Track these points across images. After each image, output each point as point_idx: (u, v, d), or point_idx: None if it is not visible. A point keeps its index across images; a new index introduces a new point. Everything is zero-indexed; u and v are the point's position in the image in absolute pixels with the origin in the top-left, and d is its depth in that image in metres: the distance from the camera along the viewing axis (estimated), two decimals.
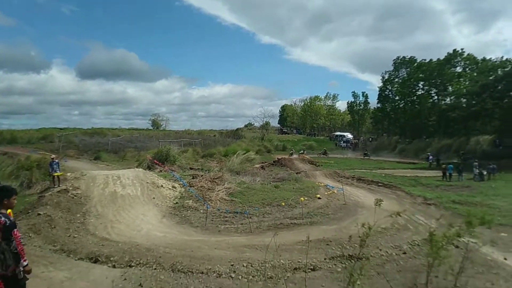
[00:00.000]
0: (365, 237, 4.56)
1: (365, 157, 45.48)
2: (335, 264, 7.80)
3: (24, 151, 32.85)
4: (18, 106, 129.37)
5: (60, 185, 15.03)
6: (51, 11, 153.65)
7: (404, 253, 8.41)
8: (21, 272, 4.22)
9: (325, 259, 8.18)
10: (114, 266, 7.77)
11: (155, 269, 7.61)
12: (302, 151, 45.23)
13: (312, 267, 7.65)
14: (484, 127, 42.89)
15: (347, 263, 7.76)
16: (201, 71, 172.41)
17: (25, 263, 4.25)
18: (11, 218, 4.31)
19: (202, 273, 7.44)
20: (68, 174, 16.78)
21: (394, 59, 60.04)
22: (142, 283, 6.79)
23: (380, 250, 8.81)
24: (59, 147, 35.43)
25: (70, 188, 14.47)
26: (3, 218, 4.16)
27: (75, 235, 10.47)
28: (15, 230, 4.19)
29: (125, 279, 7.01)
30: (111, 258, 8.07)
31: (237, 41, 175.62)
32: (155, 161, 24.20)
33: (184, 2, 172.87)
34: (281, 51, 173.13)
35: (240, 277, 7.34)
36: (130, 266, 7.76)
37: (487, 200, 16.64)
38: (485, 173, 25.17)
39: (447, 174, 25.51)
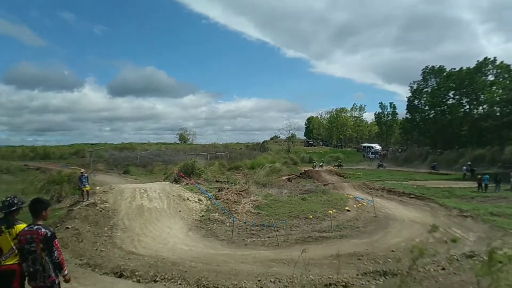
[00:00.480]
0: (416, 258, 4.13)
1: (380, 168, 44.43)
2: (368, 281, 7.34)
3: (56, 166, 33.91)
4: (52, 123, 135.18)
5: (89, 199, 15.23)
6: (82, 31, 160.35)
7: (443, 269, 7.84)
8: (58, 284, 4.33)
9: (357, 275, 7.73)
10: (139, 281, 7.61)
11: (180, 284, 7.41)
12: (321, 163, 44.21)
13: (343, 283, 7.23)
14: None
15: (381, 280, 7.32)
16: (227, 86, 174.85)
17: (65, 272, 4.37)
18: (51, 229, 4.40)
19: None
20: (97, 188, 17.00)
21: (423, 69, 58.80)
22: None
23: (417, 265, 8.27)
24: (90, 162, 36.34)
25: (98, 202, 14.61)
26: (43, 230, 4.24)
27: (102, 249, 10.45)
28: (56, 240, 4.30)
29: None
30: (136, 273, 7.91)
31: (262, 56, 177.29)
32: (181, 174, 24.27)
33: (211, 20, 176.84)
34: (306, 64, 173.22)
35: None
36: (155, 281, 7.58)
37: None
38: None
39: (483, 185, 24.32)
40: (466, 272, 7.52)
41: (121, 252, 10.30)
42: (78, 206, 14.09)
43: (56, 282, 4.31)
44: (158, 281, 7.59)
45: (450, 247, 10.67)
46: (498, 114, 42.56)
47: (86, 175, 16.56)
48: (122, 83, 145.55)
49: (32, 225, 4.28)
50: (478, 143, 45.95)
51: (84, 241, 10.80)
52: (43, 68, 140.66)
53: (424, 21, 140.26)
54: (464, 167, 35.60)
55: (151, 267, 8.51)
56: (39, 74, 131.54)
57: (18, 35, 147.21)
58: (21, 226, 4.43)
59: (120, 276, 7.90)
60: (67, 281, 4.45)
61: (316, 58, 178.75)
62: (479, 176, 25.79)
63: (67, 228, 11.53)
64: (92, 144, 62.60)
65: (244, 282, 7.53)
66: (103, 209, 14.01)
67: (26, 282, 4.38)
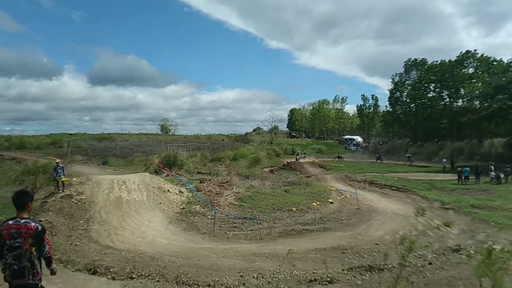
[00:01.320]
0: (407, 252, 3.88)
1: (378, 161, 44.49)
2: (354, 276, 7.11)
3: (32, 156, 32.76)
4: (30, 113, 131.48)
5: (65, 191, 14.59)
6: (60, 17, 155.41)
7: (430, 263, 7.69)
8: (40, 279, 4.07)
9: (342, 270, 7.50)
10: (113, 278, 7.19)
11: (158, 281, 7.02)
12: (304, 155, 44.07)
13: (329, 279, 6.99)
14: (498, 129, 41.84)
15: (367, 275, 7.11)
16: (210, 76, 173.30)
17: (53, 266, 4.18)
18: (40, 223, 4.18)
19: (209, 285, 6.83)
20: (74, 179, 16.37)
21: (405, 61, 59.46)
22: None
23: (407, 260, 8.11)
24: (68, 152, 35.29)
25: (74, 194, 14.02)
26: (33, 223, 3.96)
27: (77, 243, 9.97)
28: (46, 234, 4.06)
29: None
30: (111, 269, 7.49)
31: (245, 46, 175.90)
32: (162, 165, 23.74)
33: (193, 8, 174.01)
34: (289, 56, 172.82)
35: None
36: (131, 278, 7.18)
37: (508, 204, 15.76)
38: (502, 176, 24.25)
39: (463, 177, 24.65)
40: (453, 267, 7.37)
41: (97, 246, 9.86)
42: (53, 198, 13.46)
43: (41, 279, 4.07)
44: (134, 278, 7.19)
45: (434, 240, 10.66)
46: (477, 107, 43.28)
47: (61, 165, 15.86)
48: (103, 71, 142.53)
49: (18, 219, 3.91)
50: (457, 136, 46.79)
51: (58, 235, 10.27)
52: (20, 55, 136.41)
53: (405, 14, 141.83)
54: (444, 160, 36.12)
55: (128, 263, 8.12)
56: (16, 61, 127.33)
57: None
58: None
59: (94, 273, 7.46)
60: (53, 273, 4.26)
61: (299, 49, 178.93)
62: (459, 168, 26.10)
63: (40, 220, 10.88)
64: (70, 134, 60.89)
65: (226, 278, 7.22)
66: (79, 201, 13.44)
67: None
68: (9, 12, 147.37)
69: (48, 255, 4.02)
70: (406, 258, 3.92)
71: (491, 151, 37.31)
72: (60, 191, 14.63)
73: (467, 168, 25.41)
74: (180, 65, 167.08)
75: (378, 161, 44.46)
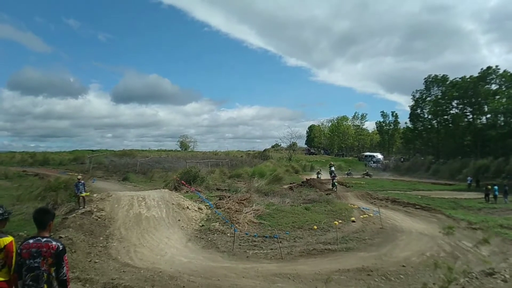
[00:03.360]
0: (448, 283, 3.57)
1: (366, 177, 43.64)
2: None
3: (55, 172, 33.42)
4: (55, 130, 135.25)
5: (85, 207, 14.66)
6: (87, 38, 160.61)
7: (463, 287, 7.28)
8: None
9: None
10: None
11: None
12: (319, 172, 41.64)
13: None
14: None
15: None
16: (230, 94, 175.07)
17: None
18: (61, 242, 3.96)
19: None
20: (94, 195, 16.47)
21: (425, 78, 58.67)
22: None
23: (434, 284, 7.70)
24: (89, 168, 35.86)
25: (95, 210, 14.07)
26: (54, 243, 3.78)
27: (96, 260, 9.90)
28: (66, 255, 3.84)
29: None
30: None
31: (264, 64, 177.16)
32: (182, 181, 23.74)
33: (212, 27, 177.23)
34: (307, 73, 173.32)
35: None
36: None
37: None
38: None
39: (492, 195, 23.73)
40: None
41: (116, 264, 9.77)
42: (73, 214, 13.52)
43: None
44: None
45: (463, 262, 10.15)
46: (502, 123, 42.10)
47: (82, 181, 16.02)
48: (126, 90, 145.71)
49: (39, 238, 3.76)
50: (481, 153, 45.47)
51: (77, 251, 10.23)
52: (47, 74, 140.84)
53: (426, 30, 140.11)
54: (469, 178, 35.05)
55: (146, 282, 7.99)
56: (43, 80, 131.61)
57: (23, 41, 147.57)
58: (6, 240, 3.93)
59: None
60: None
61: (318, 67, 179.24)
62: (488, 186, 25.21)
63: (60, 237, 10.91)
64: (93, 151, 62.11)
65: None
66: (99, 217, 13.46)
67: None
68: (38, 33, 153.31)
69: (65, 277, 3.81)
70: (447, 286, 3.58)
71: None
72: (81, 207, 14.72)
73: (496, 186, 24.48)
74: (201, 83, 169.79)
75: (367, 177, 43.69)
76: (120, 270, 9.05)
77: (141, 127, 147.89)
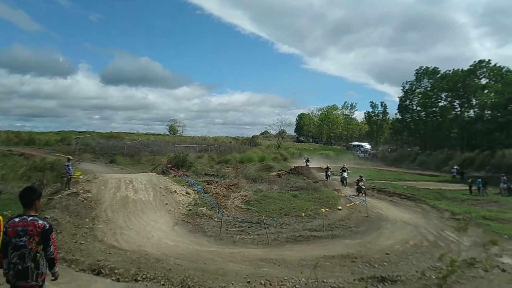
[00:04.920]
0: (450, 273, 3.60)
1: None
2: (366, 287, 6.88)
3: (41, 152, 32.87)
4: (42, 109, 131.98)
5: (70, 188, 14.51)
6: (78, 18, 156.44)
7: (446, 277, 7.41)
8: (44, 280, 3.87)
9: (354, 280, 7.27)
10: (118, 280, 7.03)
11: (163, 285, 6.86)
12: (306, 159, 39.16)
13: None
14: (509, 140, 41.19)
15: (379, 286, 6.86)
16: (221, 79, 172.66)
17: (56, 269, 3.97)
18: (48, 221, 3.99)
19: None
20: (81, 176, 16.30)
21: (416, 69, 58.69)
22: None
23: (417, 272, 7.85)
24: (76, 150, 35.36)
25: (81, 191, 13.95)
26: (40, 221, 3.78)
27: (82, 242, 9.86)
28: (53, 233, 3.86)
29: None
30: (116, 271, 7.32)
31: (256, 50, 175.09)
32: (170, 165, 23.64)
33: (205, 11, 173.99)
34: (299, 61, 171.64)
35: None
36: (136, 280, 7.01)
37: None
38: None
39: (476, 188, 24.15)
40: (470, 281, 7.10)
41: (102, 245, 9.73)
42: (59, 195, 13.41)
43: (44, 281, 3.86)
44: (139, 280, 7.02)
45: (445, 251, 10.36)
46: (489, 117, 42.69)
47: (69, 163, 15.82)
48: (116, 71, 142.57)
49: (25, 216, 3.75)
50: (467, 146, 46.10)
51: (63, 232, 10.15)
52: (36, 53, 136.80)
53: (419, 22, 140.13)
54: (453, 169, 35.56)
55: (132, 264, 7.97)
56: (32, 58, 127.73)
57: (13, 18, 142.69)
58: None
59: (98, 273, 7.31)
60: (55, 278, 4.01)
61: (310, 55, 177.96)
62: (471, 179, 25.63)
63: (46, 218, 10.80)
64: (79, 132, 61.19)
65: (233, 284, 7.04)
66: (85, 199, 13.37)
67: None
68: (28, 11, 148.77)
69: (52, 256, 3.82)
70: (448, 278, 3.61)
71: (502, 162, 36.65)
72: (66, 189, 14.58)
73: (480, 179, 24.91)
74: (192, 67, 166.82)
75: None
76: (106, 252, 9.02)
77: (129, 110, 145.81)
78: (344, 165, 24.13)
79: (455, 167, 35.90)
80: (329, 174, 26.38)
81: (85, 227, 11.12)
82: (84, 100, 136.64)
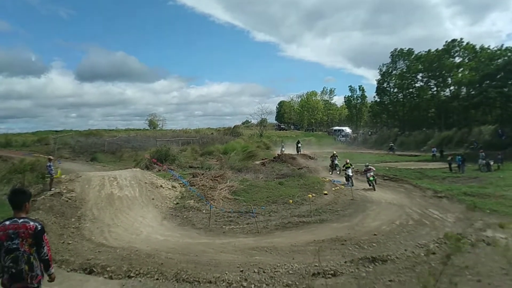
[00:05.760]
0: (454, 250, 3.64)
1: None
2: (357, 268, 7.02)
3: (19, 154, 32.00)
4: (16, 111, 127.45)
5: (53, 188, 14.21)
6: (48, 15, 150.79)
7: (434, 253, 7.62)
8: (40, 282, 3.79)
9: (345, 262, 7.40)
10: (111, 277, 6.97)
11: (157, 279, 6.83)
12: (282, 146, 37.37)
13: (332, 272, 6.88)
14: (485, 117, 42.35)
15: (371, 267, 7.02)
16: (199, 70, 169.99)
17: (52, 270, 3.91)
18: (40, 222, 3.94)
19: (210, 282, 6.67)
20: (62, 176, 15.97)
21: (391, 52, 59.27)
22: None
23: (406, 250, 8.05)
24: (55, 149, 34.55)
25: (64, 191, 13.68)
26: (31, 223, 3.71)
27: (69, 241, 9.73)
28: (45, 234, 3.80)
29: None
30: (108, 268, 7.26)
31: (232, 39, 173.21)
32: (154, 160, 23.40)
33: (177, 2, 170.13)
34: (276, 48, 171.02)
35: (253, 286, 6.57)
36: (129, 276, 6.97)
37: (500, 191, 15.87)
38: (492, 163, 24.45)
39: (457, 165, 24.74)
40: (457, 256, 7.31)
41: (91, 244, 9.63)
42: (42, 196, 13.11)
43: (41, 283, 3.78)
44: (132, 276, 6.98)
45: (431, 229, 10.66)
46: (465, 95, 43.72)
47: (50, 163, 15.45)
48: (91, 68, 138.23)
49: (15, 219, 3.67)
50: (445, 125, 47.16)
51: (49, 233, 9.81)
52: (7, 53, 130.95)
53: (391, 4, 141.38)
54: (433, 149, 36.37)
55: (124, 261, 7.90)
56: (2, 58, 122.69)
57: None
58: None
59: (90, 272, 7.24)
60: (52, 280, 3.96)
61: (286, 42, 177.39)
62: (449, 157, 26.27)
63: (36, 219, 10.62)
64: (56, 131, 59.75)
65: (227, 274, 7.06)
66: (69, 198, 13.12)
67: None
68: None
69: (47, 257, 3.76)
70: (452, 257, 3.67)
71: (480, 139, 37.71)
72: (50, 189, 14.26)
73: (459, 156, 25.52)
74: (169, 60, 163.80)
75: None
76: (95, 251, 8.92)
77: (107, 106, 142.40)
78: (347, 161, 20.21)
79: (433, 148, 36.64)
80: (337, 164, 23.66)
81: (72, 226, 10.96)
82: (59, 99, 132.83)
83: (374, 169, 18.97)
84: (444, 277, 6.17)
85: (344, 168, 19.70)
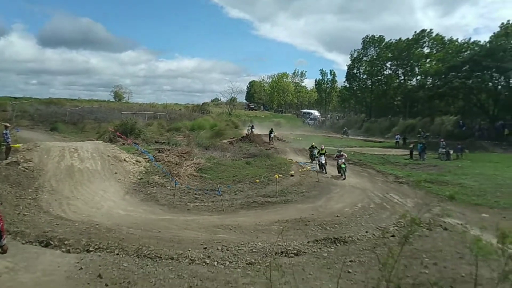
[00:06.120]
0: (411, 232, 3.67)
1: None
2: (320, 248, 7.13)
3: None
4: None
5: (9, 157, 13.47)
6: None
7: (393, 236, 7.85)
8: None
9: (308, 242, 7.50)
10: (68, 251, 6.72)
11: (117, 254, 6.65)
12: (250, 127, 37.33)
13: (295, 251, 6.95)
14: (448, 108, 43.87)
15: (332, 247, 7.14)
16: (169, 44, 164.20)
17: (4, 242, 3.86)
18: None
19: (172, 258, 6.57)
20: (20, 145, 15.17)
21: (363, 38, 59.84)
22: (101, 273, 5.80)
23: (367, 232, 8.26)
24: (13, 117, 32.84)
25: (21, 161, 13.01)
26: None
27: (26, 213, 9.32)
28: None
29: (81, 268, 6.00)
30: (66, 242, 6.99)
31: (205, 14, 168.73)
32: (118, 133, 22.70)
33: None
34: (249, 26, 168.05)
35: (215, 263, 6.54)
36: (88, 251, 6.74)
37: (457, 179, 16.61)
38: (451, 152, 25.47)
39: (418, 152, 25.55)
40: (416, 240, 7.52)
41: (48, 216, 9.26)
42: None
43: None
44: (91, 251, 6.76)
45: (391, 213, 10.99)
46: (430, 85, 45.03)
47: (6, 130, 14.58)
48: (54, 33, 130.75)
49: None
50: (410, 113, 48.61)
51: (4, 204, 9.53)
52: None
53: None
54: (397, 136, 37.43)
55: (82, 234, 7.64)
56: None
57: None
58: None
59: (47, 245, 6.94)
60: (4, 251, 3.95)
61: (260, 20, 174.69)
62: (411, 145, 27.10)
63: None
64: (15, 98, 56.74)
65: (189, 250, 6.98)
66: (26, 168, 12.50)
67: None
68: None
69: None
70: (409, 237, 3.69)
71: (441, 129, 39.19)
72: (6, 158, 13.51)
73: (421, 144, 26.35)
74: (138, 31, 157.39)
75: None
76: (53, 223, 8.58)
77: (70, 75, 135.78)
78: (322, 147, 19.44)
79: (397, 135, 37.72)
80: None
81: (28, 198, 10.49)
82: (19, 63, 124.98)
83: (346, 155, 18.19)
84: (402, 259, 6.38)
85: (318, 154, 18.75)
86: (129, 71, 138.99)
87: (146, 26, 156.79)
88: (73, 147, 15.20)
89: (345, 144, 35.24)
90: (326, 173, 17.38)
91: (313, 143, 22.75)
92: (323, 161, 17.89)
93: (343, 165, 16.64)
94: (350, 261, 6.41)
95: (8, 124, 15.37)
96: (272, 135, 30.60)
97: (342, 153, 17.66)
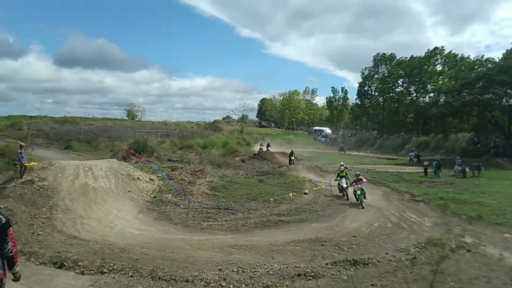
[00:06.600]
0: (442, 259, 3.52)
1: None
2: (339, 271, 6.90)
3: None
4: None
5: (24, 176, 13.57)
6: None
7: (415, 258, 7.58)
8: (4, 283, 3.45)
9: (326, 264, 7.27)
10: (82, 273, 6.62)
11: (131, 276, 6.53)
12: (260, 145, 37.25)
13: (313, 273, 6.73)
14: (462, 125, 43.30)
15: (352, 270, 6.91)
16: (182, 63, 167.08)
17: (17, 269, 3.50)
18: (5, 214, 3.51)
19: (187, 281, 6.42)
20: (35, 163, 15.30)
21: (374, 56, 60.08)
22: None
23: (387, 254, 8.00)
24: (28, 135, 33.37)
25: (36, 179, 13.07)
26: None
27: (40, 232, 9.30)
28: (10, 228, 3.42)
29: None
30: (80, 263, 6.90)
31: (217, 33, 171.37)
32: (132, 151, 22.82)
33: None
34: (260, 45, 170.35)
35: (231, 286, 6.37)
36: (102, 272, 6.64)
37: (475, 197, 16.16)
38: (467, 170, 24.96)
39: (433, 170, 25.10)
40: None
41: (62, 236, 9.22)
42: (13, 184, 12.50)
43: (4, 282, 3.42)
44: (105, 272, 6.66)
45: (409, 233, 10.69)
46: (443, 103, 44.64)
47: (21, 150, 14.72)
48: (70, 53, 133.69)
49: None
50: (422, 130, 48.13)
51: (18, 223, 9.49)
52: None
53: (377, 9, 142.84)
54: (410, 153, 36.95)
55: (96, 255, 7.56)
56: None
57: None
58: None
59: (61, 266, 6.86)
60: (17, 279, 3.57)
61: (271, 40, 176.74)
62: (426, 162, 26.66)
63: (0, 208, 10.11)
64: (31, 117, 57.83)
65: (204, 272, 6.83)
66: (41, 187, 12.54)
67: None
68: None
69: (11, 254, 3.38)
70: (439, 265, 3.52)
71: (456, 146, 38.58)
72: (21, 177, 13.62)
73: (437, 162, 25.91)
74: (152, 50, 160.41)
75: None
76: (67, 243, 8.53)
77: (85, 94, 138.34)
78: (342, 167, 17.27)
79: (414, 149, 37.27)
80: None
81: (43, 217, 10.48)
82: (35, 83, 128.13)
83: (365, 180, 15.87)
84: (427, 283, 6.13)
85: (338, 177, 16.74)
86: (143, 90, 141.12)
87: (160, 46, 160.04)
88: (87, 166, 15.26)
89: (357, 161, 34.90)
90: (348, 199, 15.69)
91: (342, 163, 18.45)
92: (345, 185, 16.20)
93: (359, 192, 14.69)
94: (372, 285, 6.18)
95: (23, 144, 15.56)
96: (292, 158, 29.11)
97: (360, 176, 15.64)
